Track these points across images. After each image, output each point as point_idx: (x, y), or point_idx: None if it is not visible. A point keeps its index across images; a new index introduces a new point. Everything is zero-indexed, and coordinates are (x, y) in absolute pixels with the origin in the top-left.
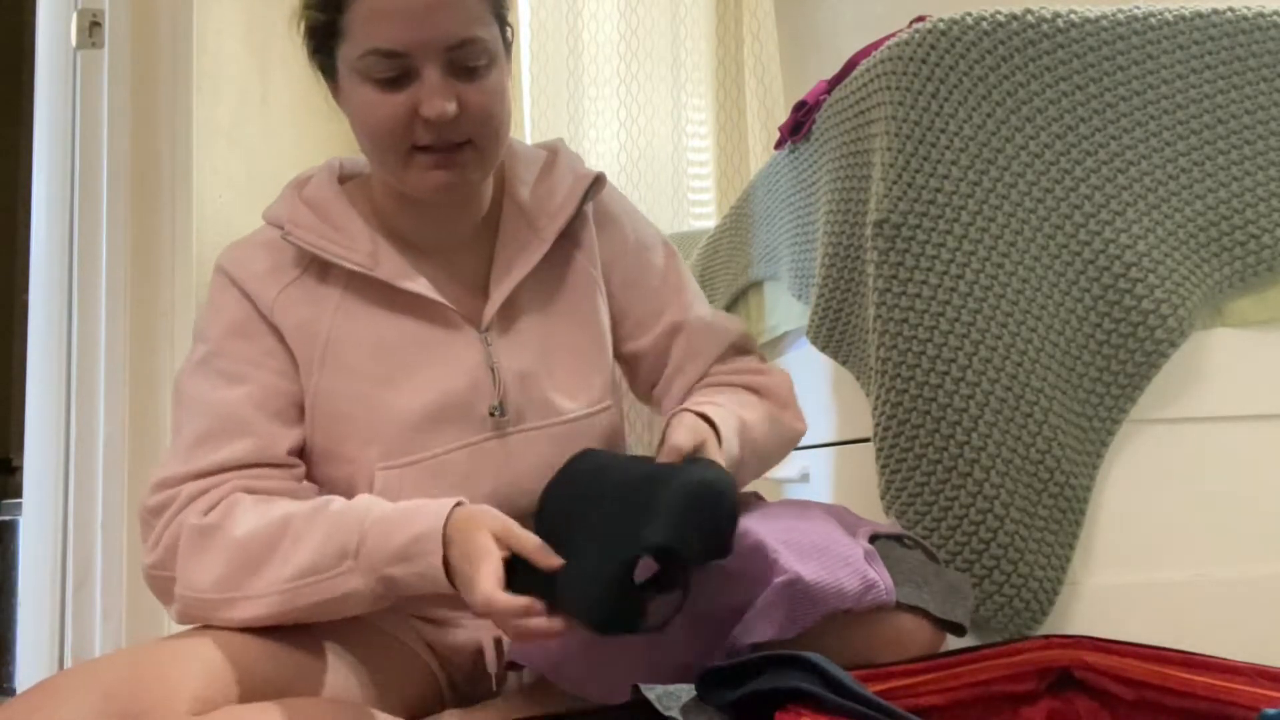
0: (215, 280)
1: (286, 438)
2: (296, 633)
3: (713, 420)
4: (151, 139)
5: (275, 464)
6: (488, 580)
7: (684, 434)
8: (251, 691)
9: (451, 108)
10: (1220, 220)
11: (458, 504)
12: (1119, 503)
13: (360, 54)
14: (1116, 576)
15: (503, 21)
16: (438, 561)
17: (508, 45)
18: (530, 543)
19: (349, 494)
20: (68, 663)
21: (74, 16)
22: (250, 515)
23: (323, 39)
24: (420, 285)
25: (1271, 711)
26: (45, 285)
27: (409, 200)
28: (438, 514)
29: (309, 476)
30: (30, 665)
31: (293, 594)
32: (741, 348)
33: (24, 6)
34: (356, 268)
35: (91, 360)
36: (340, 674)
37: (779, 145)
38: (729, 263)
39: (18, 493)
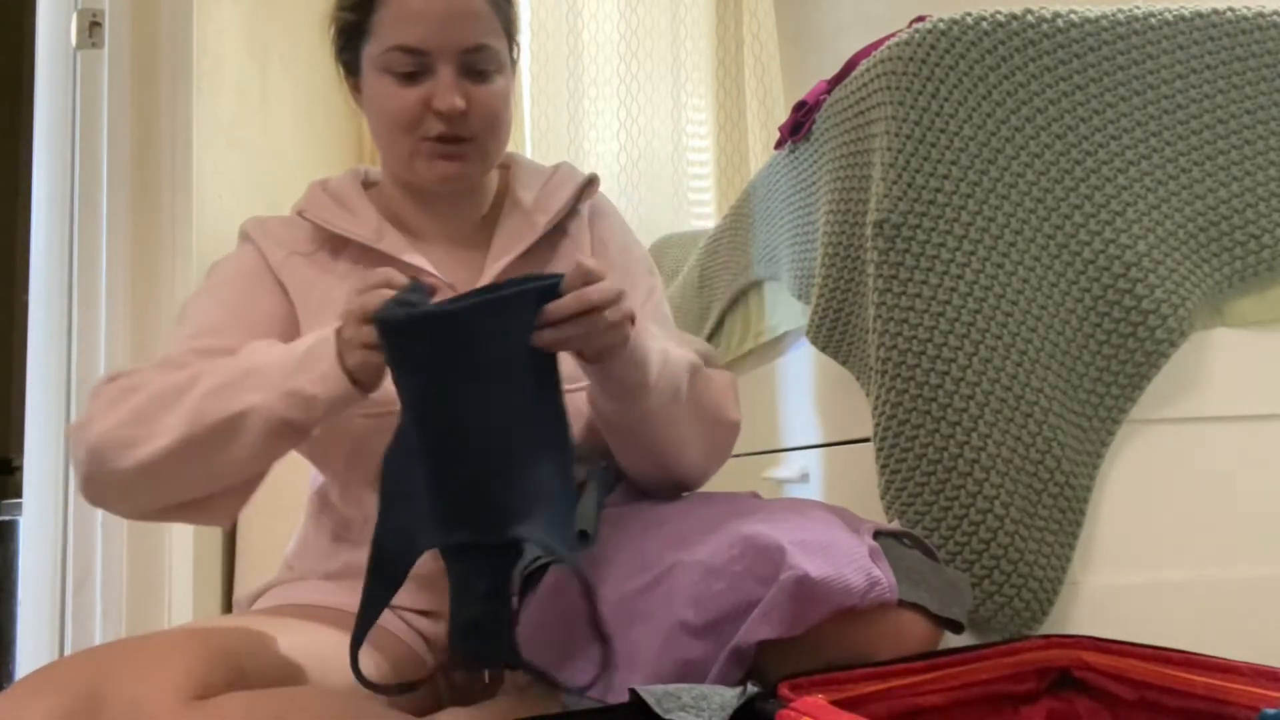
0: (238, 242)
1: None
2: (294, 626)
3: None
4: (151, 139)
5: None
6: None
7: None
8: (248, 680)
9: (461, 103)
10: (1220, 220)
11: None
12: (1119, 503)
13: (384, 49)
14: (1116, 576)
15: (511, 38)
16: (333, 358)
17: (514, 61)
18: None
19: (334, 445)
20: None
21: (74, 16)
22: (170, 374)
23: (350, 37)
24: (419, 260)
25: (1271, 711)
26: (45, 285)
27: (416, 194)
28: (331, 326)
29: None
30: (30, 665)
31: (196, 415)
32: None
33: (24, 6)
34: (361, 239)
35: (91, 360)
36: (337, 666)
37: (779, 145)
38: (729, 263)
39: (18, 493)
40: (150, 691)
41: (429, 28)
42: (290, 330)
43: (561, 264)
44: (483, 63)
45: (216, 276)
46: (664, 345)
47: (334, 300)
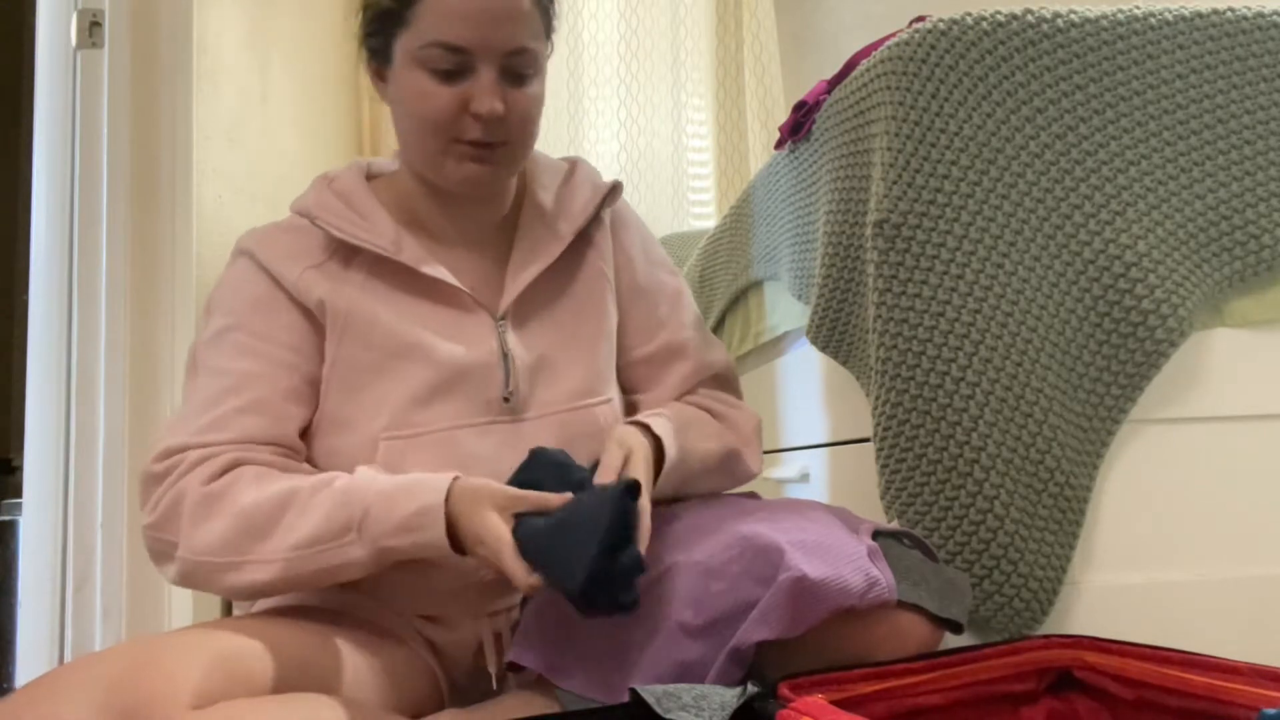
0: (237, 261)
1: (295, 417)
2: (297, 630)
3: (653, 429)
4: (151, 139)
5: (280, 444)
6: (516, 567)
7: (614, 450)
8: (252, 687)
9: (500, 107)
10: (1220, 220)
11: (455, 478)
12: (1119, 503)
13: (424, 44)
14: (1116, 576)
15: (549, 39)
16: (441, 534)
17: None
18: (533, 500)
19: (351, 466)
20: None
21: (74, 16)
22: (253, 486)
23: (385, 24)
24: (440, 271)
25: (1271, 711)
26: (45, 285)
27: (436, 193)
28: (438, 489)
29: (316, 446)
30: (30, 665)
31: (297, 562)
32: (723, 380)
33: (24, 6)
34: (381, 251)
35: (91, 360)
36: (340, 671)
37: (779, 145)
38: (729, 263)
39: (18, 493)
40: (158, 697)
41: (474, 26)
42: (317, 351)
43: (586, 274)
44: (523, 66)
45: (226, 316)
46: (680, 428)
47: (356, 313)
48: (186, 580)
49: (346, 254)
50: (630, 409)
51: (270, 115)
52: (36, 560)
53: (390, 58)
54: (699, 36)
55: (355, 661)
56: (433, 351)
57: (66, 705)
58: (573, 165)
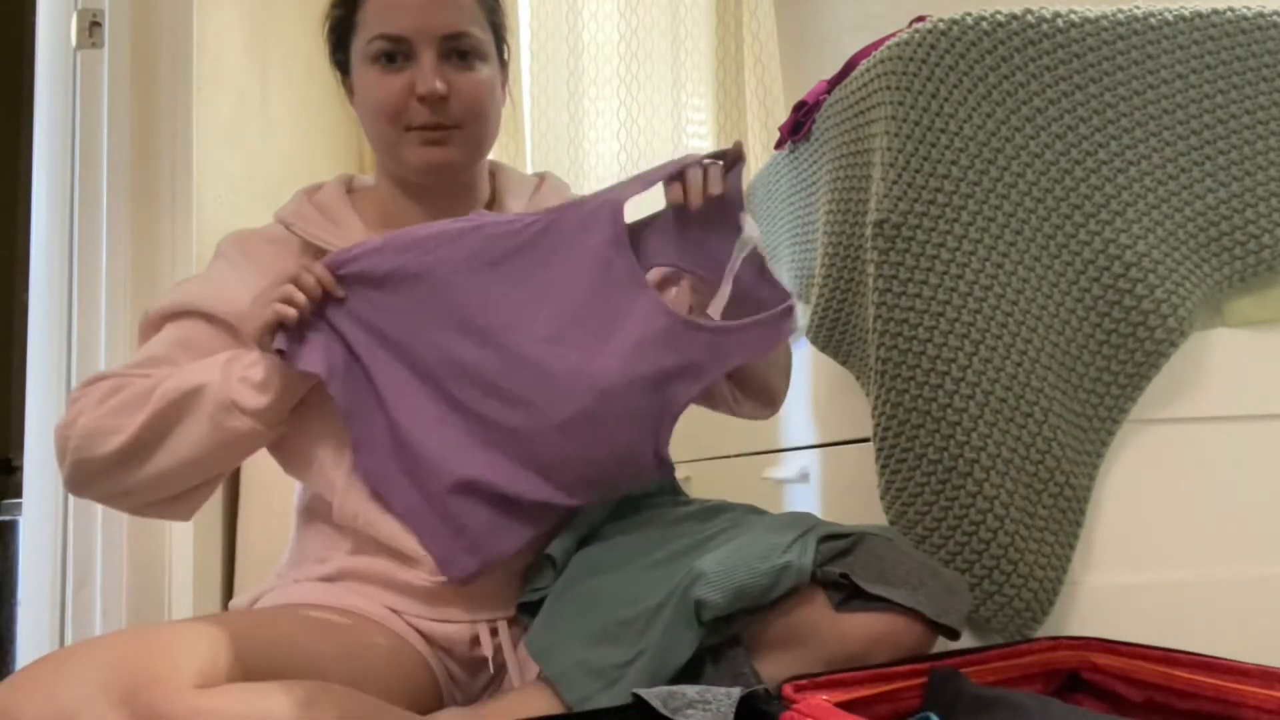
0: (217, 258)
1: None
2: (297, 624)
3: None
4: (151, 139)
5: None
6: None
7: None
8: (252, 674)
9: (441, 87)
10: (1220, 220)
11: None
12: (1119, 503)
13: (369, 40)
14: (1116, 576)
15: (498, 33)
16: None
17: (504, 61)
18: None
19: (331, 448)
20: None
21: (74, 16)
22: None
23: (341, 35)
24: None
25: None
26: (45, 285)
27: (410, 193)
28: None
29: (292, 437)
30: None
31: (160, 395)
32: None
33: (24, 6)
34: None
35: (91, 360)
36: (340, 665)
37: (779, 145)
38: None
39: (18, 493)
40: (162, 676)
41: (409, 14)
42: None
43: None
44: (464, 49)
45: (189, 297)
46: None
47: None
48: (79, 455)
49: (320, 259)
50: None
51: (270, 115)
52: (36, 560)
53: (350, 66)
54: (699, 36)
55: (354, 656)
56: None
57: (68, 685)
58: (541, 178)
